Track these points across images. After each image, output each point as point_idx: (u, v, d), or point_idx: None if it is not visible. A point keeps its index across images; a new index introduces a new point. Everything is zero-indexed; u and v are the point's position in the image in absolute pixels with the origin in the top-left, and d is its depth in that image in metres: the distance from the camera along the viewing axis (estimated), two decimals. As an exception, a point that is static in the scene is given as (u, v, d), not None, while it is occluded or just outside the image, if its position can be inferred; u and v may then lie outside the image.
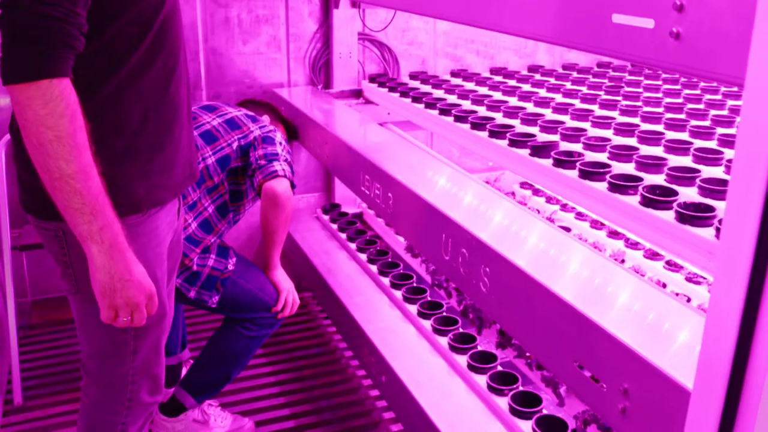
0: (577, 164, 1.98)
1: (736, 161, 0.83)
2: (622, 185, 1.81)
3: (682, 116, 2.44)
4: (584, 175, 1.93)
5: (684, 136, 2.22)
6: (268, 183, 2.40)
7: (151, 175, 1.65)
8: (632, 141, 2.21)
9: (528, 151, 2.18)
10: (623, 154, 2.04)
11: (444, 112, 2.71)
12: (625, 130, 2.29)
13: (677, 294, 2.18)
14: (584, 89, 2.93)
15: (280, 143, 2.53)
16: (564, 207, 3.03)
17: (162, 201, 1.70)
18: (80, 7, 1.36)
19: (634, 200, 1.76)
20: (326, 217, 3.48)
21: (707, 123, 2.36)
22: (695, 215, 1.59)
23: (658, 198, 1.70)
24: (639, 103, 2.65)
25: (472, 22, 1.56)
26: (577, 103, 2.70)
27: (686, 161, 2.00)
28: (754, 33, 0.77)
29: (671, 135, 2.22)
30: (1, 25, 1.34)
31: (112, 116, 1.56)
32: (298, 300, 2.58)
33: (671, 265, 2.39)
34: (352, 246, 3.12)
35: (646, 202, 1.72)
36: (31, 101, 1.34)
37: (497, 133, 2.36)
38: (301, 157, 3.68)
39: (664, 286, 2.32)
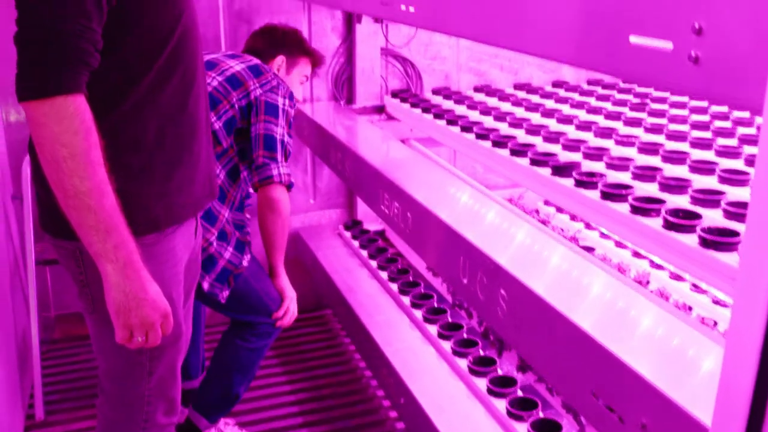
0: (599, 185, 1.94)
1: (755, 184, 0.80)
2: (645, 208, 1.77)
3: (708, 135, 2.38)
4: (606, 196, 1.89)
5: (710, 155, 2.17)
6: (264, 188, 2.39)
7: (169, 192, 1.64)
8: (656, 160, 2.16)
9: (549, 170, 2.14)
10: (646, 174, 2.00)
11: (465, 129, 2.68)
12: (649, 149, 2.24)
13: (703, 318, 2.12)
14: (609, 106, 2.89)
15: (283, 110, 2.44)
16: (588, 225, 2.98)
17: (180, 219, 1.69)
18: (95, 23, 1.36)
19: (656, 223, 1.71)
20: (348, 234, 3.46)
21: (734, 142, 2.30)
22: (719, 240, 1.54)
23: (680, 222, 1.66)
24: (664, 121, 2.60)
25: (491, 41, 1.53)
26: (601, 121, 2.66)
27: (712, 182, 1.95)
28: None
29: (697, 154, 2.16)
30: (16, 41, 1.35)
31: (129, 133, 1.56)
32: (296, 312, 2.57)
33: (698, 287, 2.33)
34: (373, 264, 3.09)
35: (668, 226, 1.67)
36: (46, 118, 1.34)
37: (518, 152, 2.32)
38: (324, 173, 3.68)
39: (690, 309, 2.26)
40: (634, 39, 1.08)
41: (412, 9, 1.91)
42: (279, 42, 2.72)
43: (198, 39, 1.67)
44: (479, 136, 2.57)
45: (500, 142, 2.43)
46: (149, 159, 1.59)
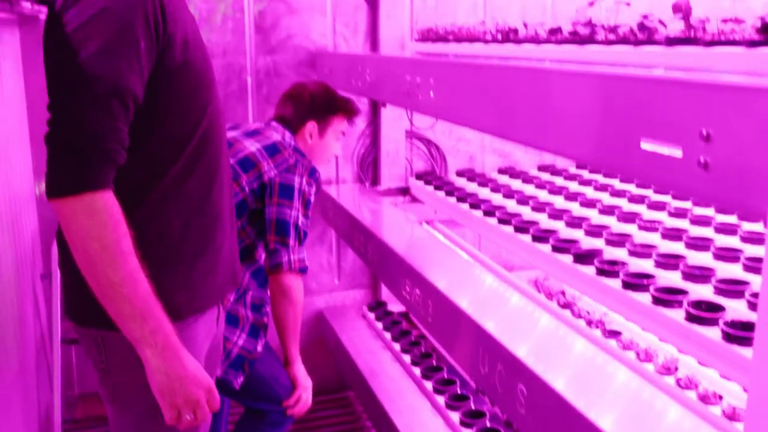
0: (621, 274, 1.92)
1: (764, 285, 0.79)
2: (667, 299, 1.75)
3: (734, 219, 2.37)
4: (627, 286, 1.87)
5: (735, 241, 2.15)
6: (275, 275, 2.36)
7: (192, 282, 1.66)
8: (680, 247, 2.15)
9: (571, 258, 2.13)
10: (669, 263, 1.98)
11: (488, 213, 2.69)
12: (672, 235, 2.22)
13: (734, 408, 2.06)
14: (633, 189, 2.88)
15: (299, 191, 2.39)
16: (614, 309, 2.94)
17: (202, 308, 1.71)
18: (122, 122, 1.40)
19: (679, 315, 1.69)
20: (372, 315, 3.46)
21: (760, 227, 2.28)
22: (742, 335, 1.52)
23: (703, 314, 1.63)
24: (689, 204, 2.58)
25: (508, 136, 1.55)
26: (625, 204, 2.65)
27: (736, 270, 1.92)
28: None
29: (721, 240, 2.14)
30: (47, 141, 1.39)
31: (154, 226, 1.58)
32: (310, 402, 2.52)
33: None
34: (396, 347, 3.08)
35: (691, 318, 1.65)
36: (76, 214, 1.38)
37: (540, 238, 2.32)
38: (348, 253, 3.69)
39: (721, 398, 2.20)
40: (645, 144, 1.09)
41: (432, 95, 1.95)
42: (307, 108, 2.66)
43: (222, 127, 1.71)
44: (501, 221, 2.57)
45: (522, 227, 2.44)
46: (173, 250, 1.61)
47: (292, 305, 2.39)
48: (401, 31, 3.57)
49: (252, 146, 2.45)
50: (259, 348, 2.40)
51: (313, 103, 2.66)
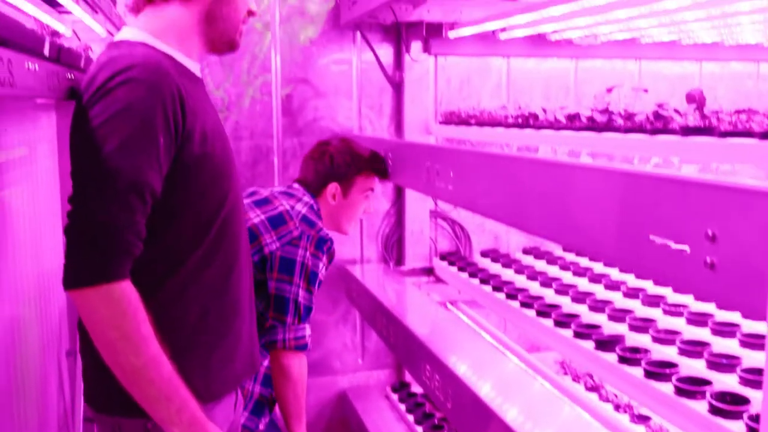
0: (643, 362, 1.89)
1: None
2: (690, 390, 1.71)
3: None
4: (649, 375, 1.84)
5: (761, 327, 2.11)
6: (272, 352, 2.26)
7: (210, 369, 1.67)
8: (705, 332, 2.11)
9: (593, 344, 2.10)
10: (694, 351, 1.94)
11: (510, 296, 2.68)
12: (697, 320, 2.19)
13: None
14: (658, 271, 2.85)
15: (302, 264, 2.27)
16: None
17: (220, 394, 1.71)
18: (139, 215, 1.43)
19: (702, 407, 1.65)
20: (395, 397, 3.42)
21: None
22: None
23: (728, 407, 1.60)
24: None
25: (520, 226, 1.57)
26: (650, 287, 2.62)
27: (761, 358, 1.88)
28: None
29: (748, 326, 2.10)
30: (66, 232, 1.43)
31: (172, 314, 1.60)
32: None
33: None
34: (419, 430, 3.02)
35: (714, 411, 1.61)
36: (94, 305, 1.40)
37: (562, 323, 2.30)
38: (372, 333, 3.68)
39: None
40: (653, 240, 1.10)
41: (451, 188, 1.98)
42: (328, 170, 2.54)
43: (242, 219, 1.74)
44: (524, 304, 2.56)
45: (544, 311, 2.42)
46: (191, 338, 1.63)
47: (291, 383, 2.27)
48: (425, 113, 3.63)
49: (256, 218, 2.36)
50: (261, 426, 2.33)
51: (333, 163, 2.54)
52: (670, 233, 1.06)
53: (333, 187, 2.53)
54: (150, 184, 1.42)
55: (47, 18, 2.61)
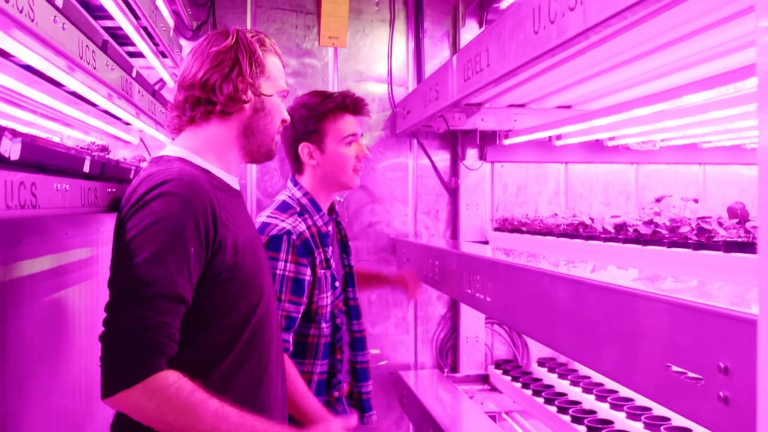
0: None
1: None
2: None
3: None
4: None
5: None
6: None
7: None
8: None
9: (642, 466, 2.00)
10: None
11: (562, 410, 2.59)
12: None
13: None
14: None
15: (285, 261, 1.99)
16: None
17: None
18: (170, 318, 1.46)
19: None
20: None
21: None
22: None
23: None
24: None
25: (549, 343, 1.53)
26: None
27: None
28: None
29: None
30: (101, 341, 1.47)
31: None
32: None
33: None
34: None
35: None
36: (137, 403, 1.41)
37: (612, 441, 2.20)
38: (426, 442, 3.59)
39: None
40: (671, 370, 1.06)
41: (489, 299, 1.96)
42: (292, 134, 2.18)
43: (275, 326, 1.75)
44: (575, 419, 2.46)
45: (595, 428, 2.32)
46: None
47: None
48: (481, 220, 3.64)
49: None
50: None
51: (294, 125, 2.14)
52: (685, 363, 1.02)
53: (303, 148, 2.15)
54: (180, 293, 1.46)
55: (112, 129, 2.78)
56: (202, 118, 1.63)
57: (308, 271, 2.03)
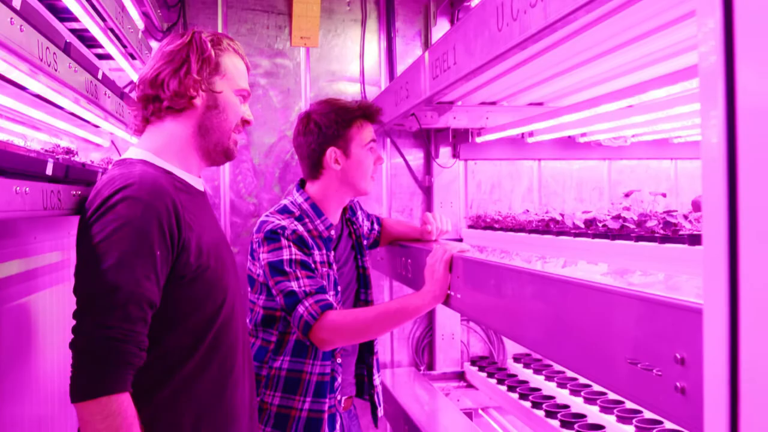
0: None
1: None
2: None
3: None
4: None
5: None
6: (310, 334, 2.01)
7: None
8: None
9: (614, 459, 2.02)
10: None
11: (536, 405, 2.60)
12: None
13: None
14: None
15: (268, 265, 2.08)
16: None
17: None
18: (140, 326, 1.46)
19: None
20: None
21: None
22: None
23: None
24: None
25: (515, 338, 1.54)
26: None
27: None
28: None
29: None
30: (71, 347, 1.46)
31: (166, 421, 1.59)
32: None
33: None
34: None
35: None
36: (92, 416, 1.41)
37: (585, 435, 2.22)
38: (404, 440, 3.59)
39: None
40: (628, 363, 1.07)
41: (459, 296, 1.96)
42: (319, 136, 2.25)
43: (239, 328, 1.75)
44: (549, 414, 2.48)
45: (568, 422, 2.34)
46: None
47: (342, 336, 2.04)
48: (455, 217, 3.65)
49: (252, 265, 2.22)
50: None
51: (321, 127, 2.24)
52: (642, 355, 1.03)
53: (331, 152, 2.24)
54: (148, 297, 1.45)
55: (82, 132, 2.76)
56: (155, 116, 1.64)
57: (311, 258, 2.12)
